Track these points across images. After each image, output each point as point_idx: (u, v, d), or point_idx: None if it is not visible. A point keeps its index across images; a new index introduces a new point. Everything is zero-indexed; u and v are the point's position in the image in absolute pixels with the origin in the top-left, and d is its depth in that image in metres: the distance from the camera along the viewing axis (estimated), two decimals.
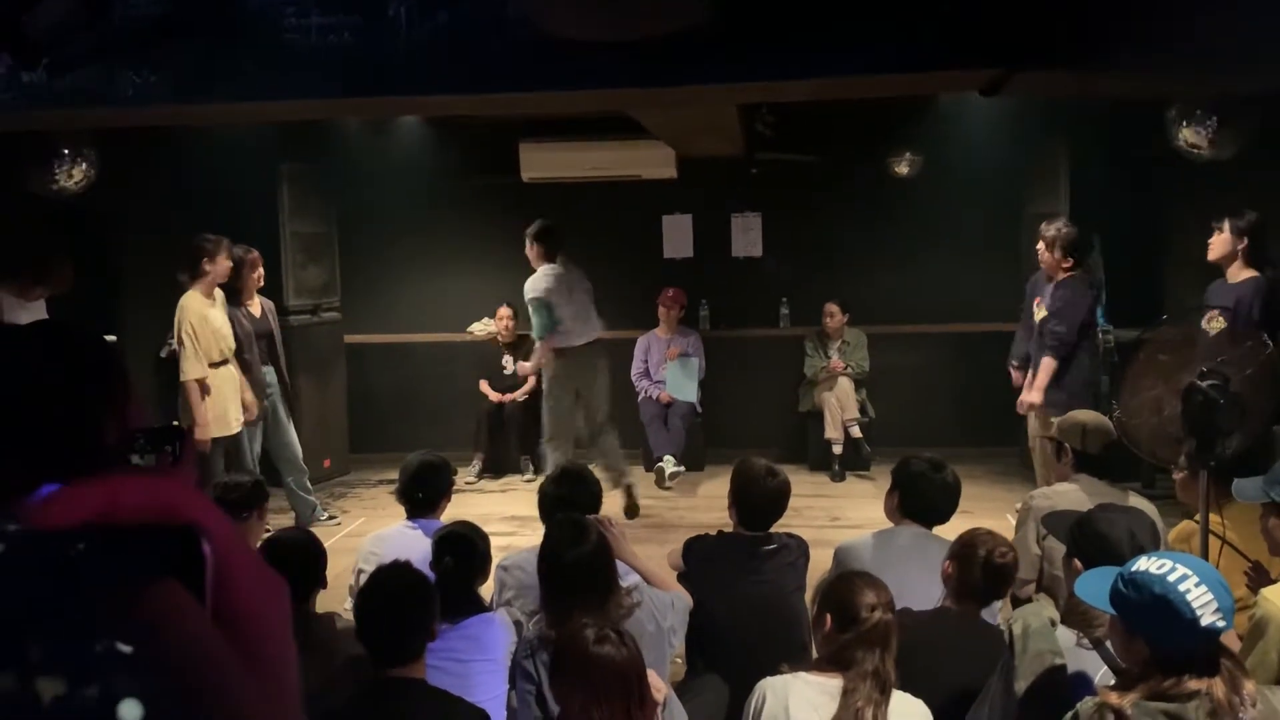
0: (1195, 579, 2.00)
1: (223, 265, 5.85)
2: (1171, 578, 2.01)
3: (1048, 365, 5.49)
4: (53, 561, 0.45)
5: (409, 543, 3.77)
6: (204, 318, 5.74)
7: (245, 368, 6.03)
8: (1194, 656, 2.03)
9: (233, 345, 5.90)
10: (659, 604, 3.10)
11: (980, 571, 2.96)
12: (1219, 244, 5.03)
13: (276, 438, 6.29)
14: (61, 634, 0.43)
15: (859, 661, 2.45)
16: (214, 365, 5.75)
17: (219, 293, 5.94)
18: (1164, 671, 2.03)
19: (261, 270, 6.34)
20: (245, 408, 5.95)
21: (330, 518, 6.70)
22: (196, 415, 5.63)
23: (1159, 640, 2.04)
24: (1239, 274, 4.95)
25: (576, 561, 2.92)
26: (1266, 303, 4.85)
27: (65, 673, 0.42)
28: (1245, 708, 1.98)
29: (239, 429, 5.88)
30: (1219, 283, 5.06)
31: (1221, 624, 1.99)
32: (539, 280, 6.26)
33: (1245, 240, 4.94)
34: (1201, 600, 1.98)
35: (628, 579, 3.17)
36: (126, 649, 0.43)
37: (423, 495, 3.92)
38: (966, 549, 3.02)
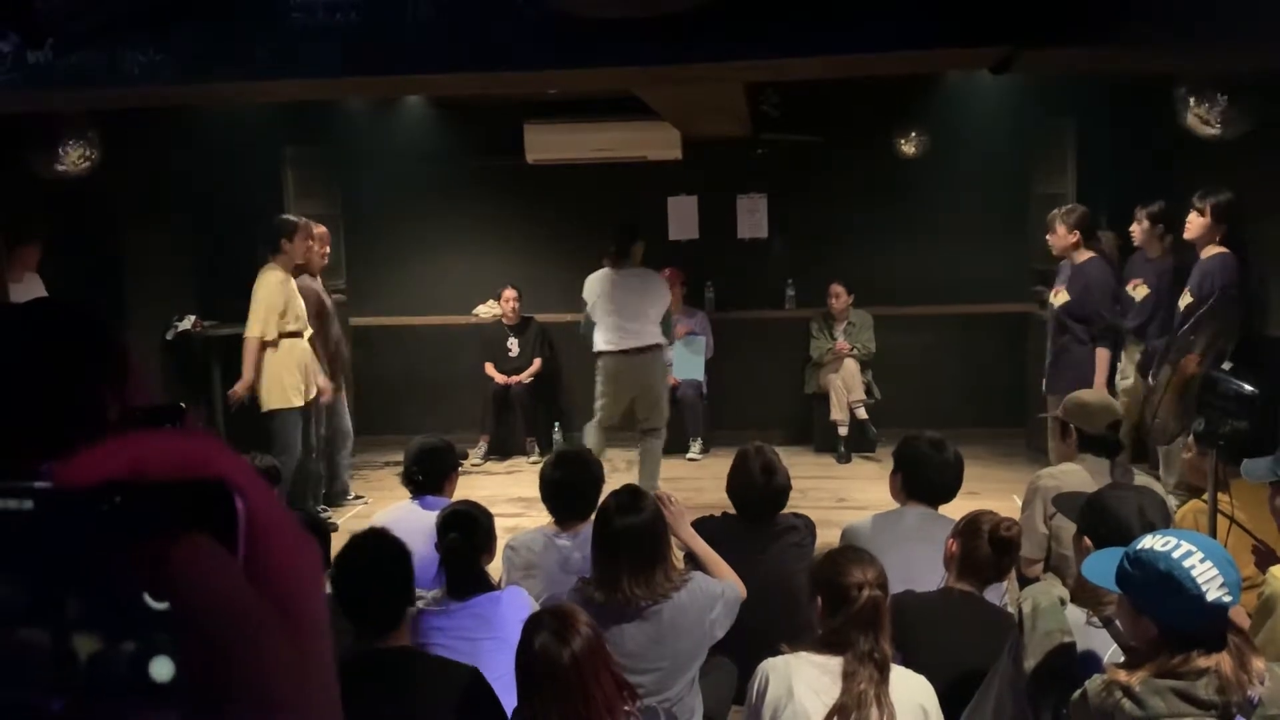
0: (1200, 555, 2.00)
1: (300, 245, 5.99)
2: (1176, 554, 2.00)
3: (1104, 357, 5.43)
4: (87, 516, 0.44)
5: (413, 521, 3.78)
6: (282, 284, 5.86)
7: (325, 343, 6.24)
8: (1201, 633, 2.03)
9: (304, 319, 6.02)
10: (707, 592, 3.10)
11: (988, 544, 2.96)
12: (1195, 225, 5.03)
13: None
14: (98, 589, 0.42)
15: (854, 643, 2.45)
16: (285, 336, 5.86)
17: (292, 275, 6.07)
18: (1172, 649, 2.03)
19: (328, 248, 6.45)
20: (319, 387, 6.15)
21: (357, 497, 6.75)
22: (246, 372, 5.78)
23: (1165, 617, 2.04)
24: (1210, 251, 4.97)
25: (625, 529, 2.99)
26: (1229, 278, 4.85)
27: (102, 628, 0.42)
28: (1253, 684, 1.98)
29: (302, 403, 5.95)
30: (1197, 262, 5.08)
31: (1228, 599, 1.99)
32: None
33: (1224, 224, 4.93)
34: (1207, 576, 1.98)
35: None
36: (161, 604, 0.43)
37: (423, 477, 3.96)
38: (972, 525, 3.03)
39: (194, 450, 0.50)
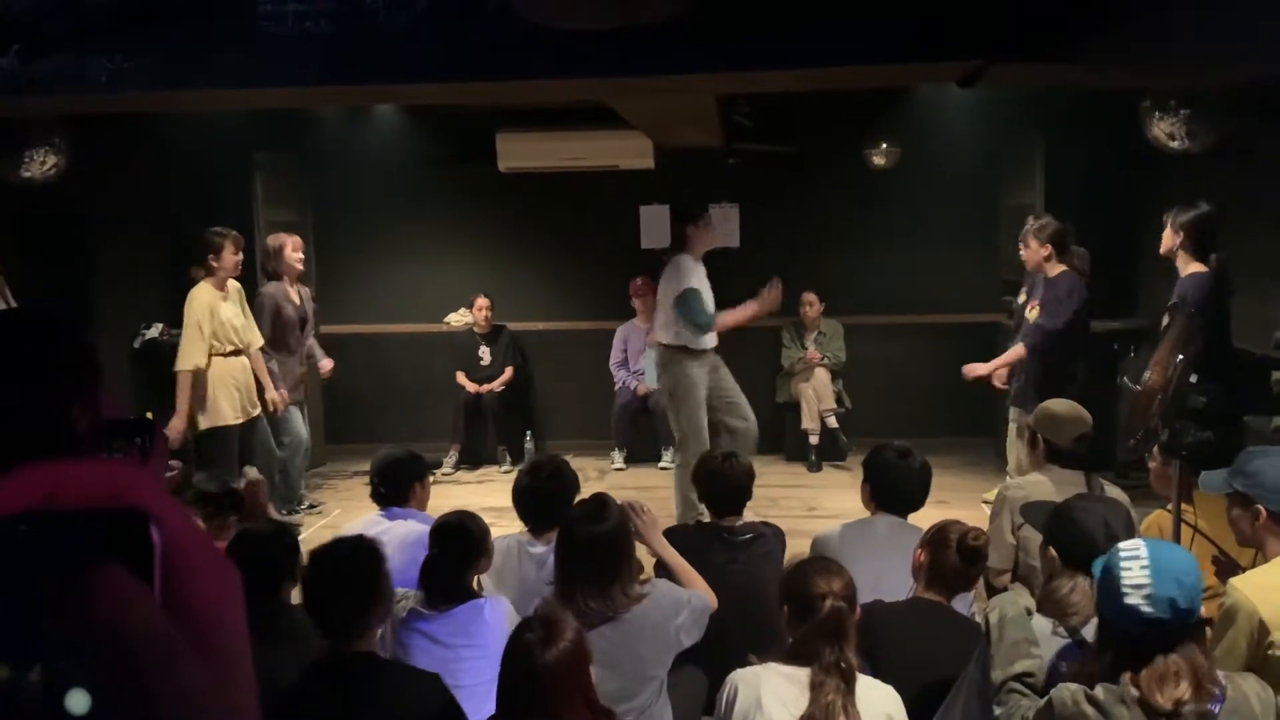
0: (1144, 562, 2.02)
1: (229, 259, 5.90)
2: (1123, 552, 2.05)
3: (1016, 352, 5.56)
4: None
5: (379, 534, 3.77)
6: (212, 309, 5.79)
7: (288, 351, 6.23)
8: (1132, 638, 2.04)
9: (245, 338, 5.97)
10: (671, 600, 3.07)
11: (955, 554, 2.97)
12: (1165, 239, 5.05)
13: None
14: (4, 620, 0.42)
15: (820, 654, 2.45)
16: (224, 355, 5.82)
17: (233, 284, 6.01)
18: (1104, 648, 2.08)
19: (300, 254, 6.42)
20: (269, 399, 6.07)
21: (310, 507, 6.71)
22: (180, 404, 5.68)
23: (1103, 612, 2.09)
24: (1186, 268, 4.98)
25: (585, 539, 2.96)
26: (1210, 295, 4.89)
27: (9, 658, 0.41)
28: (1176, 698, 1.98)
29: (243, 419, 5.90)
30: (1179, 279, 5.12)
31: (1146, 609, 1.99)
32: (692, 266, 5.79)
33: (1191, 236, 4.94)
34: (1133, 581, 2.01)
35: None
36: (70, 634, 0.43)
37: (385, 490, 3.94)
38: (939, 535, 3.04)
39: (111, 479, 0.50)
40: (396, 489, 3.94)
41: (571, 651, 2.30)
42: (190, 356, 5.73)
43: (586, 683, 2.35)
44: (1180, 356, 4.45)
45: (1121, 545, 2.09)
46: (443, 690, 2.55)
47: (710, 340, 5.83)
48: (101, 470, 0.51)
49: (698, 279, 5.77)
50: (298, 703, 2.46)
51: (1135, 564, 2.02)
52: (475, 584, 3.45)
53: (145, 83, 3.60)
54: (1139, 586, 2.00)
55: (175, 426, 5.67)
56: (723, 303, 8.23)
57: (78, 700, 0.41)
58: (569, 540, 3.01)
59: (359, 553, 2.70)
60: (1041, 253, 5.67)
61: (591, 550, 2.96)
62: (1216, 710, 1.99)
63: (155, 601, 0.47)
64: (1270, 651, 2.54)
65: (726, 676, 2.61)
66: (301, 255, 6.43)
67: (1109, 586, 2.03)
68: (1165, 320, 4.91)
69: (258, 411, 6.02)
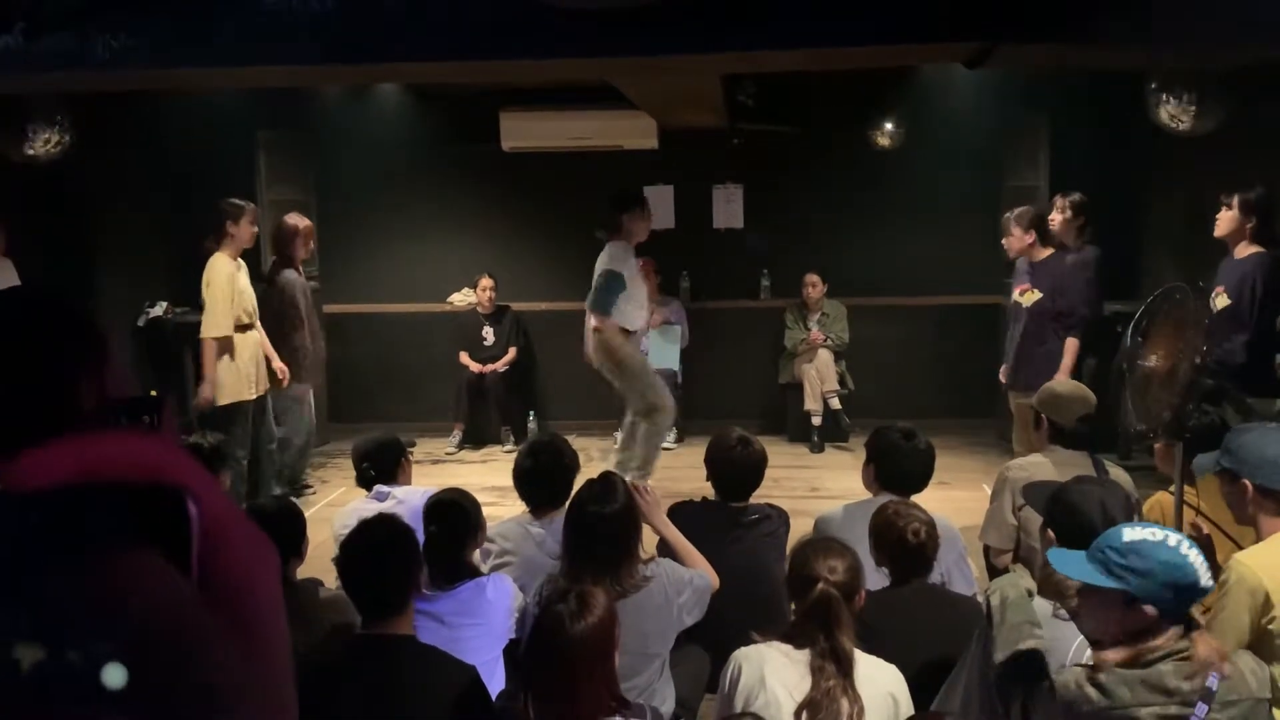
0: (1188, 544, 2.07)
1: (246, 230, 5.85)
2: (1172, 543, 2.06)
3: (1072, 346, 5.50)
4: (28, 525, 0.44)
5: (392, 507, 3.80)
6: (231, 278, 5.76)
7: (296, 333, 6.19)
8: (1180, 619, 2.07)
9: (254, 310, 5.95)
10: (674, 579, 3.08)
11: (900, 554, 2.98)
12: (1225, 220, 4.99)
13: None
14: (38, 600, 0.42)
15: (815, 639, 2.47)
16: (239, 329, 5.80)
17: (240, 260, 5.98)
18: (1142, 638, 2.07)
19: (312, 243, 6.45)
20: (279, 374, 6.06)
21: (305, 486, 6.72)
22: (207, 372, 5.66)
23: (1165, 605, 2.07)
24: (1244, 250, 4.94)
25: (593, 519, 2.96)
26: (1269, 279, 4.85)
27: (43, 638, 0.41)
28: (1219, 666, 2.02)
29: (257, 395, 5.89)
30: (1227, 259, 5.04)
31: (1211, 584, 2.08)
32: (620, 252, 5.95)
33: (1253, 218, 4.91)
34: (1200, 563, 2.05)
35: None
36: (103, 614, 0.43)
37: (375, 471, 4.03)
38: (881, 535, 3.04)
39: (148, 453, 0.50)
40: (386, 468, 4.02)
41: (599, 627, 2.31)
42: (218, 324, 5.67)
43: (610, 663, 2.35)
44: (1203, 343, 4.43)
45: (1157, 539, 2.07)
46: (478, 682, 2.56)
47: (638, 322, 6.08)
48: (135, 445, 0.51)
49: (626, 268, 5.93)
50: (332, 681, 2.47)
51: (1185, 547, 2.06)
52: (483, 564, 3.47)
53: (148, 61, 3.59)
54: (1204, 567, 2.05)
55: (205, 394, 5.67)
56: (727, 285, 8.27)
57: (114, 674, 0.41)
58: (577, 520, 3.01)
59: (393, 534, 2.71)
60: (1026, 239, 5.67)
61: (600, 530, 2.96)
62: (1214, 687, 2.01)
63: (185, 585, 0.47)
64: (1270, 626, 2.56)
65: (729, 655, 2.63)
66: (312, 244, 6.44)
67: (1187, 584, 2.04)
68: (1228, 306, 4.88)
69: (267, 389, 6.02)
